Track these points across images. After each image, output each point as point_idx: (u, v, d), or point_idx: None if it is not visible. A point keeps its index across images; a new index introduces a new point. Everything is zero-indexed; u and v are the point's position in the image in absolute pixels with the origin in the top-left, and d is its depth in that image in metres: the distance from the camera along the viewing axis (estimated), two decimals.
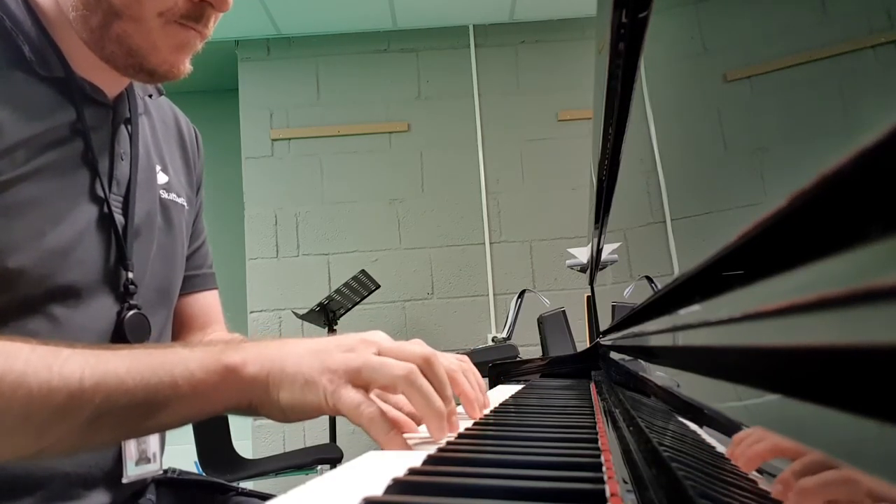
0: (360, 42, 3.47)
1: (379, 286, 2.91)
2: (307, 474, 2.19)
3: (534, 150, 3.41)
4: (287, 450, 2.64)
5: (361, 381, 0.52)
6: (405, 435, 0.53)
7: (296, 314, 2.84)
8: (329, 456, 2.19)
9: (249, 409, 0.55)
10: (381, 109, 3.44)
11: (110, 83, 0.72)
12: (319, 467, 2.18)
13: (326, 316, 2.76)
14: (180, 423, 0.56)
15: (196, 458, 1.93)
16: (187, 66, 0.69)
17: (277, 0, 3.14)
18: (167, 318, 0.81)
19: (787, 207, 0.20)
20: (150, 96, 0.83)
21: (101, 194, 0.69)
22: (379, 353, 0.54)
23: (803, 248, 0.18)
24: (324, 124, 3.42)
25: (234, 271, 3.32)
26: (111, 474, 0.71)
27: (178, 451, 1.60)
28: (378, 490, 0.35)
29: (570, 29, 3.42)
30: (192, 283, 0.90)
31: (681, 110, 0.42)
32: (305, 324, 2.91)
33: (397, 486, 0.35)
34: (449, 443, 0.49)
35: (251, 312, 3.31)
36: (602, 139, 0.78)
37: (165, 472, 0.81)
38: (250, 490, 0.84)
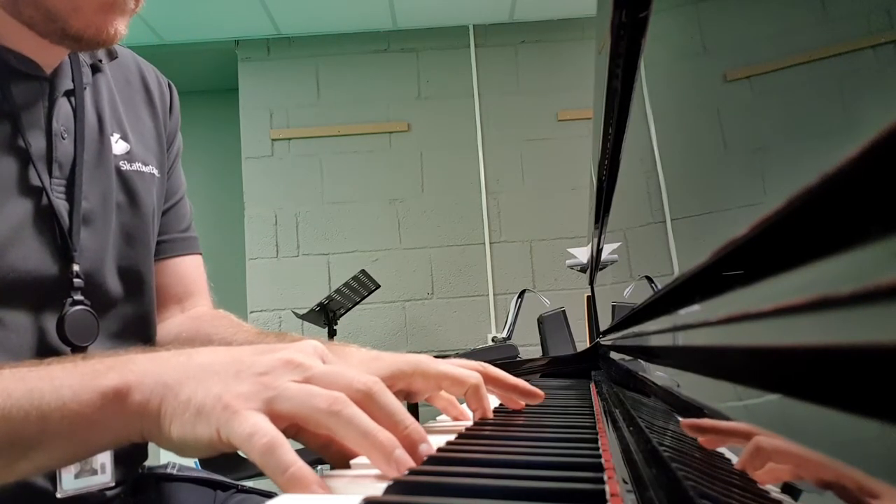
0: (360, 42, 3.47)
1: (379, 286, 2.91)
2: None
3: (534, 150, 3.41)
4: None
5: (272, 412, 0.40)
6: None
7: (296, 314, 2.84)
8: None
9: (143, 441, 0.44)
10: (381, 109, 3.44)
11: (45, 53, 0.65)
12: (319, 467, 2.18)
13: (326, 316, 2.76)
14: (67, 462, 0.48)
15: (196, 458, 1.93)
16: (120, 30, 0.62)
17: (277, 0, 3.14)
18: (146, 303, 0.76)
19: (787, 207, 0.20)
20: (101, 61, 0.75)
21: (38, 181, 0.63)
22: (305, 381, 0.42)
23: (803, 248, 0.18)
24: (324, 124, 3.42)
25: (234, 271, 3.32)
26: (43, 489, 0.63)
27: None
28: (378, 490, 0.35)
29: (570, 29, 3.42)
30: (159, 249, 0.81)
31: (681, 110, 0.42)
32: (305, 324, 2.91)
33: (398, 486, 0.35)
34: (449, 443, 0.49)
35: (251, 312, 3.31)
36: (602, 139, 0.78)
37: (165, 466, 0.81)
38: (251, 487, 0.83)
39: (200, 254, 0.89)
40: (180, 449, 0.42)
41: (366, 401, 0.41)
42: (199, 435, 0.40)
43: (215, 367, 0.43)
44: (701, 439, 0.30)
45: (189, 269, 0.86)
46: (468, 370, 0.61)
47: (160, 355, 0.46)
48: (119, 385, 0.43)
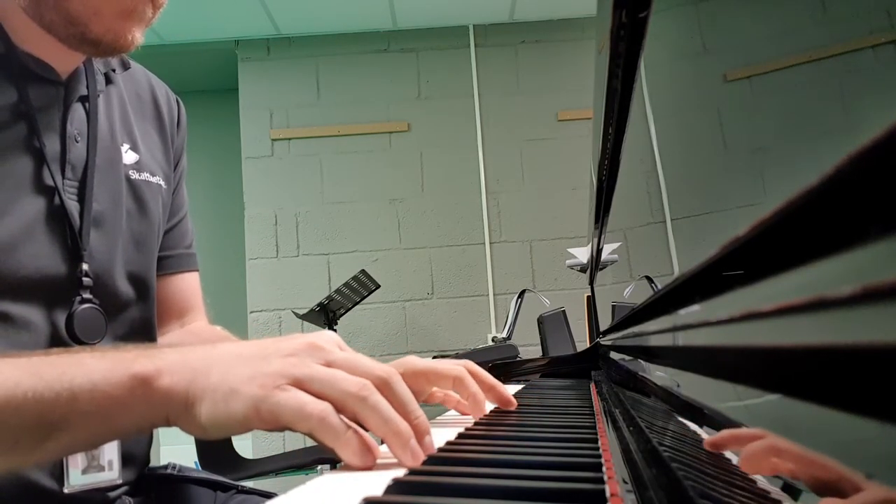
0: (360, 42, 3.47)
1: (379, 286, 2.91)
2: (307, 474, 2.19)
3: (534, 150, 3.41)
4: (287, 450, 2.64)
5: (302, 391, 0.44)
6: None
7: (296, 314, 2.83)
8: (329, 456, 2.19)
9: (168, 425, 0.47)
10: (381, 109, 3.44)
11: (62, 59, 0.67)
12: (319, 467, 2.18)
13: (326, 316, 2.76)
14: (90, 445, 0.50)
15: (196, 458, 1.93)
16: (137, 37, 0.64)
17: (277, 0, 3.14)
18: (150, 308, 0.77)
19: (787, 207, 0.20)
20: (114, 70, 0.77)
21: (51, 181, 0.65)
22: (327, 364, 0.46)
23: (803, 248, 0.18)
24: (324, 124, 3.42)
25: (234, 271, 3.32)
26: (49, 484, 0.63)
27: (178, 450, 1.60)
28: (378, 490, 0.35)
29: (570, 29, 3.42)
30: (165, 264, 0.83)
31: (681, 110, 0.42)
32: (305, 324, 2.91)
33: (397, 486, 0.35)
34: (449, 443, 0.49)
35: (251, 312, 3.31)
36: (602, 139, 0.78)
37: (165, 467, 0.81)
38: (251, 488, 0.84)
39: (198, 271, 0.91)
40: (206, 430, 0.44)
41: (384, 388, 0.45)
42: (234, 412, 0.43)
43: (242, 354, 0.46)
44: (724, 451, 0.30)
45: (189, 285, 0.88)
46: (451, 365, 0.64)
47: (187, 347, 0.48)
48: (149, 370, 0.45)
